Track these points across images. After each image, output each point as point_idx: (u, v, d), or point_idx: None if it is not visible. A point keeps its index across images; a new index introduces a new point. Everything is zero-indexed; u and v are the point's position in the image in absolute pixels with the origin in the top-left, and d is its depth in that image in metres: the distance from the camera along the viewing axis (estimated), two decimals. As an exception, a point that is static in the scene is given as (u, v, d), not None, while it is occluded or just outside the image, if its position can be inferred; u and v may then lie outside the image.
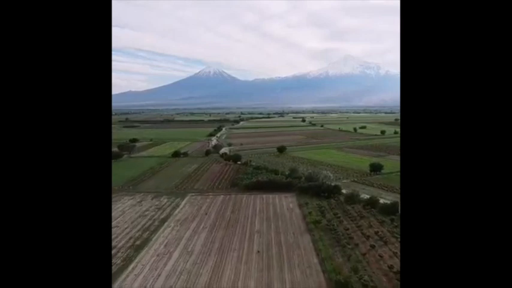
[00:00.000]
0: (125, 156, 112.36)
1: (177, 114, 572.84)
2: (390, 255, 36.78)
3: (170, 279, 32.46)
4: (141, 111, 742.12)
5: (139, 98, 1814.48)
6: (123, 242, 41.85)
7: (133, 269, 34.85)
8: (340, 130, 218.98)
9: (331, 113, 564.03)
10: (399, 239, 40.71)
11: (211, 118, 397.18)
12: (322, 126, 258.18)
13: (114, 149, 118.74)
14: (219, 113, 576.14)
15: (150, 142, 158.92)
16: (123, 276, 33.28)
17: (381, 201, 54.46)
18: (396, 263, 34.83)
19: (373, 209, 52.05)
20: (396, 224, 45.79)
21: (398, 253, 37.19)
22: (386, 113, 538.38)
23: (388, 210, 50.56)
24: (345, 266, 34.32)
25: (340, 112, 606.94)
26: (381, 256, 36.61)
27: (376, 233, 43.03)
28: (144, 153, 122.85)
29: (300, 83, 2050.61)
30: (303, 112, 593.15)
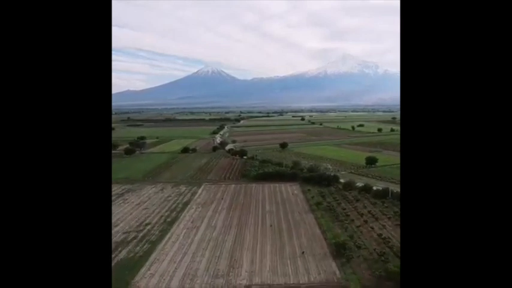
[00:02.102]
0: (137, 152, 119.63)
1: (177, 113, 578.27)
2: (380, 227, 44.57)
3: (201, 244, 40.21)
4: (140, 110, 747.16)
5: (137, 97, 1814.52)
6: (156, 219, 49.60)
7: (169, 238, 42.59)
8: (338, 128, 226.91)
9: (330, 112, 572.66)
10: (388, 216, 48.75)
11: (212, 117, 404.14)
12: (321, 124, 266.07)
13: (126, 145, 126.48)
14: (218, 112, 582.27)
15: (157, 140, 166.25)
16: (164, 241, 41.03)
17: (374, 188, 62.29)
18: (384, 232, 42.70)
19: (367, 194, 59.99)
20: (387, 205, 53.72)
21: (387, 225, 45.21)
22: (384, 111, 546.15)
23: (380, 194, 58.51)
24: (343, 234, 42.05)
25: (338, 111, 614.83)
26: (372, 228, 44.48)
27: (369, 211, 50.91)
28: (154, 150, 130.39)
29: (298, 82, 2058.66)
30: (302, 111, 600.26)
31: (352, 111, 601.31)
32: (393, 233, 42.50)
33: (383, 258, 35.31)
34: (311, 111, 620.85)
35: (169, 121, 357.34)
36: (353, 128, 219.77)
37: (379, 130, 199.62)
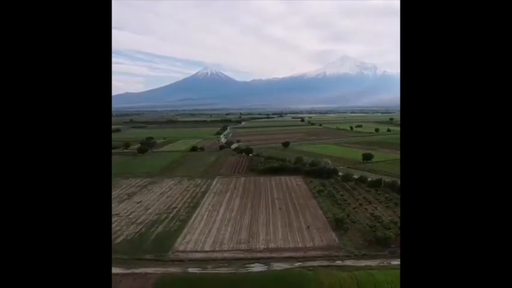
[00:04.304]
0: (149, 151, 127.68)
1: (177, 115, 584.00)
2: (372, 209, 52.76)
3: (223, 222, 48.34)
4: (140, 112, 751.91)
5: (136, 99, 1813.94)
6: (180, 204, 57.76)
7: (195, 217, 50.74)
8: (337, 129, 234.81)
9: (329, 113, 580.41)
10: (380, 200, 56.99)
11: (213, 119, 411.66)
12: (320, 125, 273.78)
13: (137, 145, 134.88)
14: (218, 114, 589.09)
15: (164, 140, 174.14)
16: (191, 220, 49.18)
17: (369, 179, 70.61)
18: (375, 212, 50.87)
19: (362, 184, 68.31)
20: (379, 193, 61.96)
21: (378, 207, 53.44)
22: (382, 113, 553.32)
23: (373, 184, 66.84)
24: (341, 214, 50.13)
25: (337, 112, 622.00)
26: (365, 209, 52.75)
27: (364, 197, 59.21)
28: (164, 149, 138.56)
29: (297, 84, 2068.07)
30: (301, 112, 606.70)
31: (351, 113, 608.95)
32: (383, 213, 50.70)
33: (373, 229, 43.49)
34: (310, 112, 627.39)
35: (171, 123, 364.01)
36: (351, 128, 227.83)
37: (377, 130, 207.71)
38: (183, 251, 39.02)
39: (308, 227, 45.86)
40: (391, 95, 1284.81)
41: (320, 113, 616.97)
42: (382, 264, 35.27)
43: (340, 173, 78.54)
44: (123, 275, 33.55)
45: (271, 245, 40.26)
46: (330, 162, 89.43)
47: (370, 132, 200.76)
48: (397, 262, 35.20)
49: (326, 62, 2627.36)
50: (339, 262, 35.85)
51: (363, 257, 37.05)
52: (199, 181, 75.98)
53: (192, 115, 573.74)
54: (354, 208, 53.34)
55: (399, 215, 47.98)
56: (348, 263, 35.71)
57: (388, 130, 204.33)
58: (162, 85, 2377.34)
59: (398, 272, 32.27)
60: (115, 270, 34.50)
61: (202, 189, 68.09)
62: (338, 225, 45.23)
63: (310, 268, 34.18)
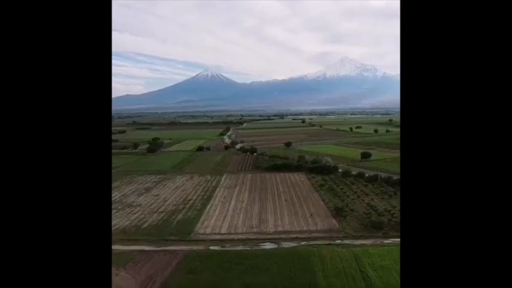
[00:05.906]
0: (158, 151, 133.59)
1: (179, 117, 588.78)
2: (369, 200, 58.57)
3: (235, 211, 54.18)
4: (141, 114, 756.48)
5: (136, 101, 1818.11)
6: (195, 197, 63.62)
7: (210, 207, 56.59)
8: (337, 130, 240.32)
9: (329, 115, 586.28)
10: (376, 193, 62.79)
11: (214, 120, 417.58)
12: (321, 126, 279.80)
13: (145, 145, 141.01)
14: (219, 116, 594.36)
15: (170, 141, 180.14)
16: (207, 209, 55.02)
17: (366, 174, 76.40)
18: (371, 202, 56.65)
19: (360, 179, 74.16)
20: (376, 187, 67.80)
21: (374, 199, 59.25)
22: (382, 114, 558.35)
23: (370, 179, 72.69)
24: (340, 203, 55.87)
25: (337, 114, 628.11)
26: (363, 200, 58.60)
27: (361, 190, 65.10)
28: (171, 149, 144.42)
29: (297, 86, 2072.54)
30: (301, 114, 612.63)
31: (351, 114, 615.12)
32: (378, 203, 56.47)
33: (369, 216, 49.28)
34: (311, 114, 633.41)
35: (174, 124, 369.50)
36: (351, 129, 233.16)
37: (376, 131, 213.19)
38: (203, 233, 44.85)
39: (311, 214, 51.64)
40: (391, 97, 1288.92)
41: (320, 114, 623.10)
42: (376, 243, 40.99)
43: (340, 170, 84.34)
44: (154, 251, 39.33)
45: (280, 229, 46.05)
46: (331, 160, 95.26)
47: (369, 133, 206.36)
48: (389, 241, 41.07)
49: (326, 63, 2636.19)
50: (338, 241, 41.61)
51: (360, 237, 42.82)
52: (209, 177, 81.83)
53: (193, 117, 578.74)
54: (352, 199, 59.15)
55: (393, 204, 54.16)
56: (347, 242, 41.46)
57: (387, 131, 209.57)
58: (163, 87, 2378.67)
59: (389, 248, 38.51)
60: (147, 247, 40.43)
61: (213, 184, 73.93)
62: (338, 213, 51.02)
63: (314, 246, 39.93)
